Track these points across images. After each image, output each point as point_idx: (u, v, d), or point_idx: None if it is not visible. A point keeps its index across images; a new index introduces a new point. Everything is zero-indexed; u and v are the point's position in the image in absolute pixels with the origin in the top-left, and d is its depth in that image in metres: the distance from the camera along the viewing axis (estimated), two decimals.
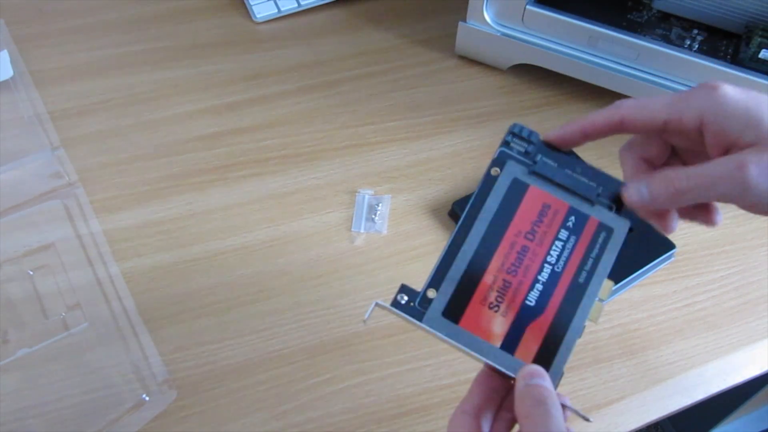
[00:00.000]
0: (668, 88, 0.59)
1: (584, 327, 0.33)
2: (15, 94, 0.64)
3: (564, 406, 0.31)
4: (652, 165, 0.37)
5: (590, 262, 0.34)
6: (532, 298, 0.33)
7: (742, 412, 0.94)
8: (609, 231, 0.35)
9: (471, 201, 0.35)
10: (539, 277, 0.34)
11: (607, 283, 0.34)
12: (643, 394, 0.48)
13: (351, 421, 0.47)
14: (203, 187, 0.59)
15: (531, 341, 0.33)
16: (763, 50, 0.55)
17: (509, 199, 0.35)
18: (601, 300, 0.34)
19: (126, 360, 0.48)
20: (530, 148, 0.36)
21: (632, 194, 0.34)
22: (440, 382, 0.49)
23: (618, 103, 0.35)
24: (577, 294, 0.34)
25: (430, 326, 0.32)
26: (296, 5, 0.74)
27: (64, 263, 0.53)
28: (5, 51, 0.67)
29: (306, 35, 0.72)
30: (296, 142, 0.62)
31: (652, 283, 0.54)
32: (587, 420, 0.32)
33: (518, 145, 0.36)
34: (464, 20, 0.65)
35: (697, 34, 0.60)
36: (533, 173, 0.36)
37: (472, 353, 0.32)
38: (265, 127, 0.64)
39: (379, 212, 0.57)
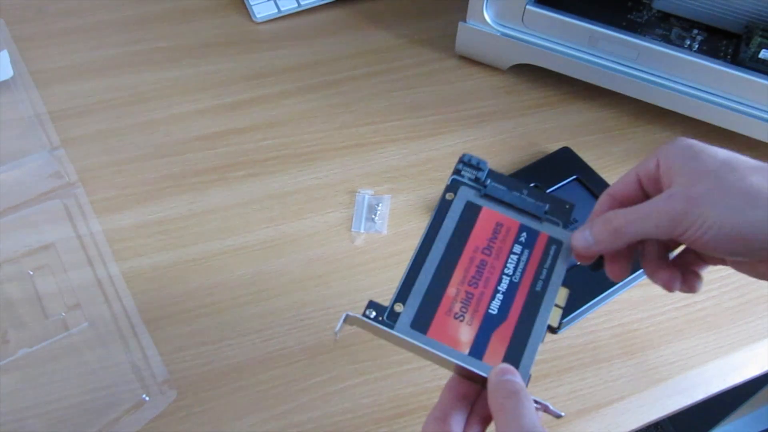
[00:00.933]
0: (668, 88, 0.59)
1: (546, 332, 0.36)
2: (15, 94, 0.64)
3: (536, 403, 0.32)
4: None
5: (544, 272, 0.37)
6: (494, 307, 0.36)
7: (742, 412, 0.94)
8: (558, 244, 0.38)
9: (429, 223, 0.38)
10: (499, 288, 0.36)
11: (563, 291, 0.37)
12: (643, 394, 0.48)
13: (351, 421, 0.47)
14: (203, 187, 0.59)
15: (498, 346, 0.35)
16: (763, 50, 0.55)
17: (465, 219, 0.38)
18: (558, 306, 0.37)
19: (126, 360, 0.48)
20: (480, 174, 0.39)
21: (578, 240, 0.37)
22: (440, 382, 0.48)
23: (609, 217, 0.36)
24: (535, 301, 0.36)
25: (401, 333, 0.34)
26: (296, 5, 0.74)
27: (64, 263, 0.53)
28: (5, 51, 0.67)
29: (306, 35, 0.72)
30: (296, 142, 0.62)
31: (652, 283, 0.53)
32: (559, 416, 0.33)
33: (469, 173, 0.40)
34: (464, 20, 0.65)
35: (697, 34, 0.60)
36: (485, 195, 0.39)
37: (445, 357, 0.34)
38: (265, 127, 0.64)
39: (379, 212, 0.57)
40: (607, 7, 0.62)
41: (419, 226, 0.57)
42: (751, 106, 0.57)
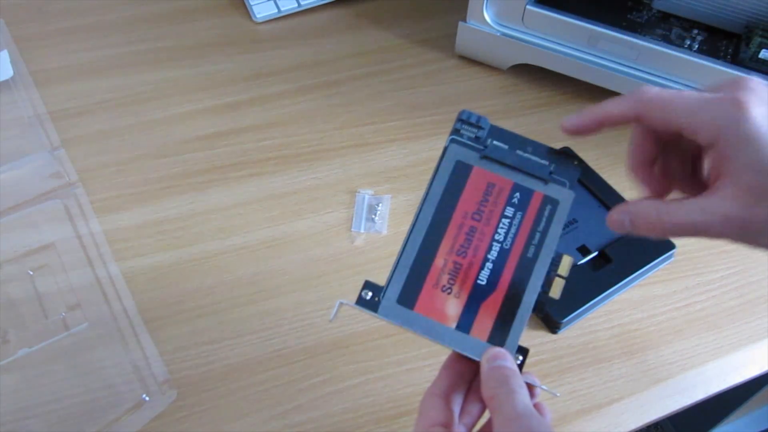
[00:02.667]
0: (668, 88, 0.59)
1: (536, 302, 0.34)
2: (15, 94, 0.64)
3: (531, 386, 0.32)
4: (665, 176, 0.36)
5: (537, 236, 0.35)
6: (483, 277, 0.34)
7: (742, 412, 0.94)
8: (554, 203, 0.36)
9: (426, 190, 0.36)
10: (489, 256, 0.35)
11: (566, 260, 0.35)
12: (643, 394, 0.48)
13: (351, 421, 0.47)
14: (203, 187, 0.59)
15: (485, 319, 0.34)
16: (763, 50, 0.55)
17: (454, 182, 0.36)
18: (561, 276, 0.34)
19: (126, 360, 0.48)
20: (480, 133, 0.37)
21: (614, 224, 0.34)
22: None
23: (639, 94, 0.33)
24: (527, 269, 0.34)
25: (386, 316, 0.34)
26: (296, 5, 0.74)
27: (64, 263, 0.53)
28: (5, 51, 0.67)
29: (306, 35, 0.72)
30: (296, 142, 0.62)
31: (652, 283, 0.54)
32: (555, 395, 0.33)
33: (468, 132, 0.37)
34: (464, 20, 0.65)
35: (697, 34, 0.60)
36: (485, 157, 0.36)
37: (429, 339, 0.33)
38: (265, 127, 0.64)
39: (379, 212, 0.57)
40: (607, 7, 0.62)
41: None
42: None
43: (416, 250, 0.35)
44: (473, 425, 0.34)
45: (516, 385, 0.31)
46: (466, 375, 0.34)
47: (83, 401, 0.47)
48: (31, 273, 0.53)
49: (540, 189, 0.36)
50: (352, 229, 0.56)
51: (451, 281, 0.34)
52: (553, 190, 0.36)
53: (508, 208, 0.36)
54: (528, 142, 0.37)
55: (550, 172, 0.36)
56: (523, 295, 0.34)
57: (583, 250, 0.52)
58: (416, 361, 0.49)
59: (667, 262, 0.54)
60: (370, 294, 0.34)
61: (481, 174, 0.36)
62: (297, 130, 0.63)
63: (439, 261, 0.35)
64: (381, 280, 0.54)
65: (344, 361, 0.49)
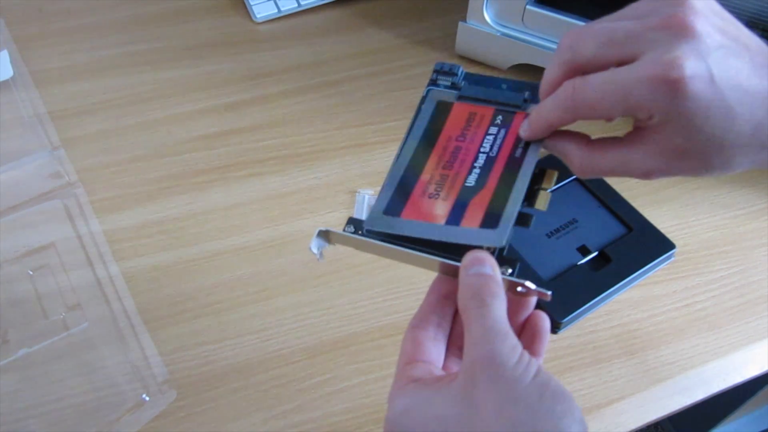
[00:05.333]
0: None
1: (525, 193, 0.33)
2: (15, 94, 0.64)
3: (520, 288, 0.30)
4: None
5: (520, 149, 0.35)
6: (471, 180, 0.34)
7: (742, 412, 0.94)
8: None
9: (408, 128, 0.37)
10: (475, 164, 0.35)
11: (550, 173, 0.35)
12: (643, 394, 0.48)
13: (351, 421, 0.47)
14: (203, 187, 0.59)
15: (476, 211, 0.33)
16: None
17: (436, 117, 0.37)
18: (545, 189, 0.34)
19: (126, 360, 0.48)
20: (456, 80, 0.38)
21: (523, 128, 0.34)
22: None
23: (568, 94, 0.31)
24: (514, 166, 0.34)
25: (371, 226, 0.33)
26: (296, 5, 0.74)
27: (64, 263, 0.53)
28: (5, 51, 0.67)
29: (306, 35, 0.72)
30: (296, 142, 0.62)
31: (652, 283, 0.54)
32: (547, 295, 0.30)
33: (445, 81, 0.38)
34: (464, 20, 0.65)
35: None
36: (460, 97, 0.37)
37: (418, 236, 0.32)
38: (265, 127, 0.64)
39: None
40: (607, 8, 0.62)
41: None
42: None
43: (401, 172, 0.35)
44: None
45: (490, 298, 0.28)
46: (451, 298, 0.32)
47: (83, 401, 0.47)
48: (31, 273, 0.53)
49: (521, 110, 0.36)
50: None
51: (438, 189, 0.34)
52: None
53: (491, 128, 0.36)
54: (502, 80, 0.37)
55: (524, 100, 0.36)
56: (513, 185, 0.33)
57: (583, 250, 0.52)
58: None
59: (667, 262, 0.54)
60: (353, 228, 0.34)
61: (462, 107, 0.37)
62: (297, 130, 0.63)
63: (425, 176, 0.34)
64: (381, 279, 0.54)
65: (344, 361, 0.49)
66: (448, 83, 0.38)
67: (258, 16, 0.73)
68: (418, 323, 0.32)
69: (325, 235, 0.34)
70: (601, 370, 0.49)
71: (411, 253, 0.32)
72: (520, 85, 0.37)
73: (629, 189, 0.58)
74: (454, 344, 0.33)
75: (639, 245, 0.53)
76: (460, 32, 0.67)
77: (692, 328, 0.51)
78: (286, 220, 0.57)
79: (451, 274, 0.32)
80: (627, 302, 0.53)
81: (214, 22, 0.73)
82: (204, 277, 0.53)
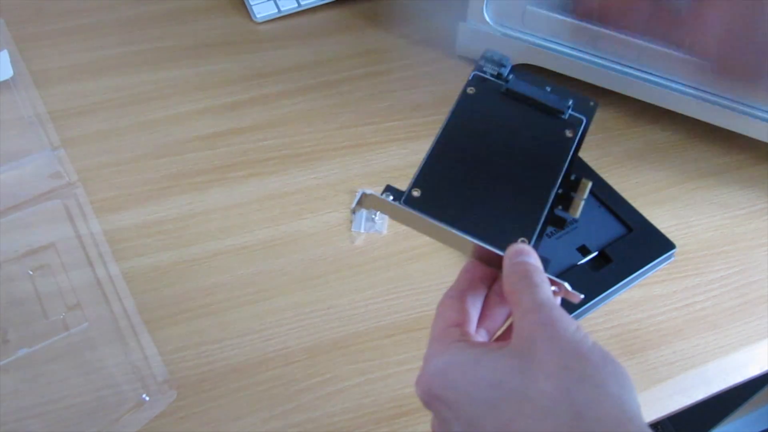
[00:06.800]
0: (668, 88, 0.59)
1: (557, 216, 0.35)
2: (15, 94, 0.64)
3: (554, 287, 0.31)
4: None
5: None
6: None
7: (742, 412, 0.94)
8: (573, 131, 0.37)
9: (449, 115, 0.37)
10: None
11: (585, 183, 0.36)
12: (643, 394, 0.48)
13: (351, 421, 0.47)
14: (203, 187, 0.59)
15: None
16: None
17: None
18: (579, 197, 0.35)
19: (126, 360, 0.48)
20: (502, 70, 0.38)
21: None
22: None
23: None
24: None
25: (417, 211, 0.34)
26: (296, 5, 0.74)
27: (64, 263, 0.53)
28: (5, 51, 0.67)
29: (306, 35, 0.72)
30: (296, 142, 0.62)
31: (652, 283, 0.54)
32: (579, 298, 0.32)
33: (491, 68, 0.38)
34: (464, 20, 0.65)
35: None
36: (507, 90, 0.37)
37: (462, 235, 0.33)
38: (265, 127, 0.64)
39: (379, 212, 0.57)
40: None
41: None
42: (751, 106, 0.57)
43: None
44: (496, 330, 0.33)
45: (539, 279, 0.30)
46: (485, 279, 0.33)
47: (83, 401, 0.47)
48: (31, 273, 0.53)
49: (564, 117, 0.37)
50: (352, 229, 0.56)
51: None
52: (570, 121, 0.37)
53: None
54: (547, 83, 0.38)
55: (568, 107, 0.37)
56: (544, 208, 0.34)
57: (583, 250, 0.52)
58: (416, 361, 0.49)
59: (667, 262, 0.54)
60: (391, 196, 0.34)
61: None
62: (297, 130, 0.63)
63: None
64: (381, 279, 0.54)
65: (344, 361, 0.49)
66: (494, 72, 0.38)
67: (258, 16, 0.73)
68: (456, 294, 0.32)
69: (367, 200, 0.34)
70: None
71: (448, 231, 0.33)
72: (564, 92, 0.38)
73: (629, 189, 0.58)
74: (481, 325, 0.33)
75: (639, 245, 0.53)
76: (460, 32, 0.67)
77: (692, 328, 0.51)
78: (286, 220, 0.57)
79: (486, 260, 0.33)
80: (627, 302, 0.53)
81: (214, 22, 0.73)
82: (204, 277, 0.53)
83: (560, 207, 0.34)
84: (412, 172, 0.61)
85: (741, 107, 0.57)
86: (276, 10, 0.73)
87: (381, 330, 0.51)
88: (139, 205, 0.57)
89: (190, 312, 0.51)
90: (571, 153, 0.36)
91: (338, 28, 0.73)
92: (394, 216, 0.34)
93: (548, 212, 0.34)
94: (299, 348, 0.50)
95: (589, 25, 0.60)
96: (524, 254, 0.31)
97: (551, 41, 0.63)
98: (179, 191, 0.59)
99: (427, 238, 0.56)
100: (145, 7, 0.74)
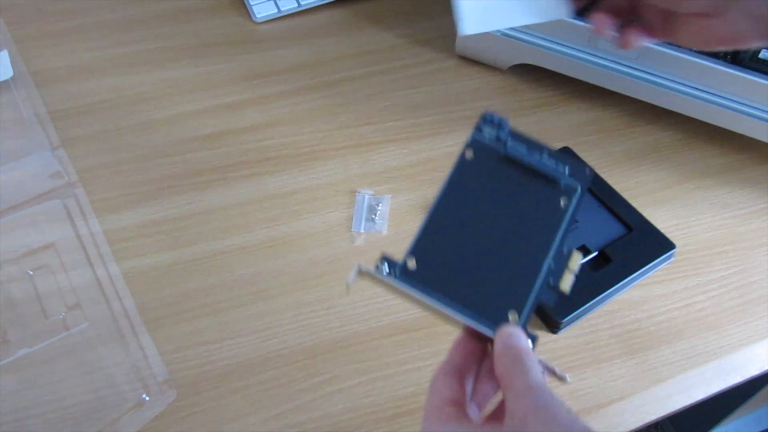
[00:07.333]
0: (668, 88, 0.59)
1: (544, 278, 0.35)
2: (15, 94, 0.64)
3: (543, 366, 0.32)
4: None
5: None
6: None
7: (742, 412, 0.94)
8: (567, 199, 0.37)
9: (446, 180, 0.38)
10: None
11: (576, 255, 0.36)
12: (643, 394, 0.48)
13: (351, 421, 0.47)
14: (203, 187, 0.59)
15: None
16: (763, 50, 0.55)
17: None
18: (571, 270, 0.35)
19: (126, 360, 0.48)
20: (501, 134, 0.39)
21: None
22: None
23: None
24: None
25: (404, 282, 0.34)
26: (296, 5, 0.74)
27: (64, 263, 0.53)
28: (5, 51, 0.67)
29: (306, 35, 0.72)
30: (296, 142, 0.62)
31: (652, 283, 0.54)
32: (564, 379, 0.32)
33: (489, 131, 0.39)
34: None
35: None
36: (505, 156, 0.38)
37: (445, 311, 0.33)
38: (265, 127, 0.64)
39: (379, 212, 0.57)
40: None
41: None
42: (751, 106, 0.57)
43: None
44: (485, 404, 0.34)
45: (529, 362, 0.31)
46: (477, 354, 0.34)
47: (83, 401, 0.47)
48: (31, 273, 0.53)
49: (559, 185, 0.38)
50: (352, 229, 0.56)
51: None
52: (565, 190, 0.37)
53: None
54: (544, 147, 0.38)
55: (565, 175, 0.37)
56: (535, 280, 0.35)
57: (583, 250, 0.52)
58: (416, 361, 0.49)
59: (667, 262, 0.54)
60: (387, 267, 0.35)
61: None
62: (297, 130, 0.63)
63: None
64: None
65: (344, 361, 0.49)
66: (494, 135, 0.39)
67: (258, 16, 0.73)
68: (449, 370, 0.33)
69: (363, 274, 0.35)
70: (601, 370, 0.49)
71: (442, 310, 0.34)
72: (561, 157, 0.38)
73: (629, 189, 0.58)
74: (472, 399, 0.34)
75: (639, 245, 0.53)
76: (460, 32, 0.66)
77: (692, 328, 0.51)
78: (286, 220, 0.57)
79: (477, 336, 0.34)
80: (627, 302, 0.53)
81: (214, 22, 0.73)
82: (204, 277, 0.53)
83: (551, 280, 0.35)
84: (412, 172, 0.61)
85: (741, 107, 0.57)
86: (276, 10, 0.73)
87: (381, 330, 0.51)
88: (139, 205, 0.57)
89: (190, 312, 0.51)
90: (564, 223, 0.36)
91: (338, 28, 0.73)
92: (388, 290, 0.35)
93: (540, 286, 0.35)
94: (299, 348, 0.50)
95: (589, 25, 0.60)
96: (514, 336, 0.32)
97: (551, 41, 0.63)
98: (179, 191, 0.59)
99: None
100: (145, 7, 0.74)
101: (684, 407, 0.49)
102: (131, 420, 0.46)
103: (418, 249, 0.35)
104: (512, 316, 0.34)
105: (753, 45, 0.40)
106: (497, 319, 0.33)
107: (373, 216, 0.57)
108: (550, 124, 0.64)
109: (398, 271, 0.35)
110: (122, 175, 0.60)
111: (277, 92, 0.67)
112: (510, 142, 0.38)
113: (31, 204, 0.56)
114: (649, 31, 0.45)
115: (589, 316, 0.52)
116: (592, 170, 0.38)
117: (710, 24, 0.41)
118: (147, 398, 0.47)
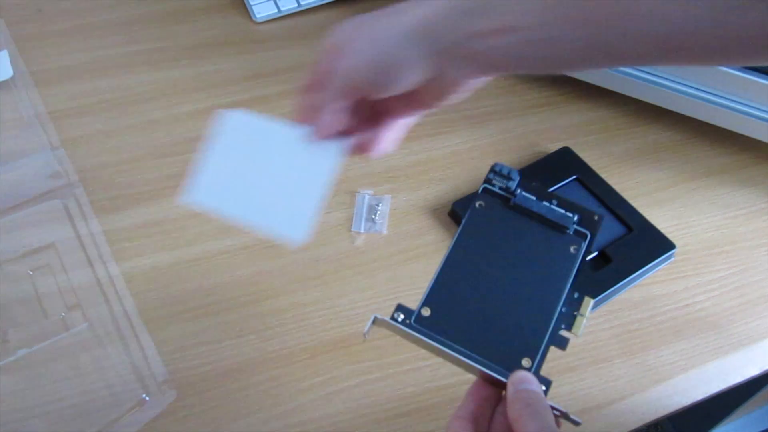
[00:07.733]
0: (668, 88, 0.59)
1: (553, 325, 0.36)
2: (15, 94, 0.64)
3: (555, 411, 0.33)
4: None
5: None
6: None
7: (742, 412, 0.94)
8: (580, 241, 0.38)
9: (459, 231, 0.38)
10: None
11: (587, 301, 0.37)
12: (643, 394, 0.48)
13: (351, 421, 0.47)
14: None
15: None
16: None
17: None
18: (582, 315, 0.36)
19: (126, 360, 0.48)
20: (510, 184, 0.39)
21: None
22: (440, 382, 0.49)
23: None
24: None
25: (419, 332, 0.35)
26: (296, 5, 0.73)
27: (64, 263, 0.53)
28: (5, 51, 0.67)
29: (306, 35, 0.72)
30: None
31: (652, 283, 0.54)
32: (577, 423, 0.33)
33: (499, 182, 0.40)
34: None
35: None
36: (514, 205, 0.38)
37: (460, 359, 0.34)
38: None
39: (379, 212, 0.57)
40: None
41: (419, 226, 0.57)
42: (751, 106, 0.57)
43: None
44: None
45: (541, 408, 0.32)
46: (491, 399, 0.35)
47: (83, 401, 0.47)
48: (31, 273, 0.53)
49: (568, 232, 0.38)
50: (352, 229, 0.56)
51: None
52: (575, 237, 0.38)
53: None
54: (554, 195, 0.39)
55: (573, 222, 0.38)
56: (547, 327, 0.36)
57: None
58: (416, 361, 0.49)
59: (667, 262, 0.54)
60: (402, 316, 0.36)
61: None
62: None
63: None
64: (381, 279, 0.54)
65: (344, 361, 0.49)
66: (503, 185, 0.39)
67: (258, 16, 0.73)
68: (465, 415, 0.34)
69: (378, 323, 0.36)
70: (601, 370, 0.49)
71: (456, 357, 0.35)
72: (571, 205, 0.38)
73: (629, 189, 0.58)
74: None
75: (639, 245, 0.53)
76: None
77: (692, 328, 0.51)
78: None
79: (491, 381, 0.35)
80: (627, 302, 0.53)
81: (214, 22, 0.73)
82: (204, 277, 0.53)
83: (563, 326, 0.36)
84: (412, 172, 0.61)
85: (741, 107, 0.57)
86: (276, 10, 0.73)
87: (381, 330, 0.51)
88: (139, 205, 0.57)
89: (190, 312, 0.51)
90: (574, 270, 0.37)
91: None
92: (404, 337, 0.36)
93: (552, 332, 0.35)
94: (299, 348, 0.50)
95: None
96: (527, 382, 0.33)
97: None
98: (179, 191, 0.59)
99: (428, 239, 0.56)
100: (145, 7, 0.74)
101: (684, 407, 0.49)
102: (131, 420, 0.46)
103: (432, 298, 0.36)
104: (525, 362, 0.34)
105: (507, 73, 0.38)
106: (510, 366, 0.34)
107: (373, 216, 0.57)
108: (550, 124, 0.64)
109: (413, 320, 0.36)
110: (122, 175, 0.60)
111: (277, 92, 0.67)
112: (519, 192, 0.39)
113: (31, 204, 0.56)
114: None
115: (589, 316, 0.51)
116: (600, 217, 0.38)
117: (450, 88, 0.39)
118: (147, 398, 0.47)
